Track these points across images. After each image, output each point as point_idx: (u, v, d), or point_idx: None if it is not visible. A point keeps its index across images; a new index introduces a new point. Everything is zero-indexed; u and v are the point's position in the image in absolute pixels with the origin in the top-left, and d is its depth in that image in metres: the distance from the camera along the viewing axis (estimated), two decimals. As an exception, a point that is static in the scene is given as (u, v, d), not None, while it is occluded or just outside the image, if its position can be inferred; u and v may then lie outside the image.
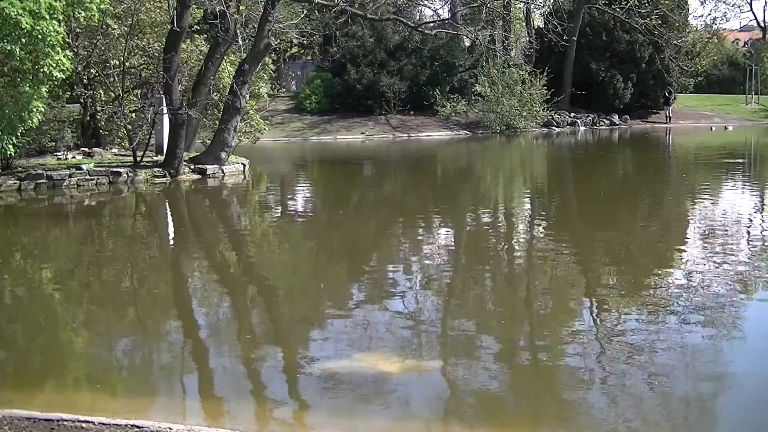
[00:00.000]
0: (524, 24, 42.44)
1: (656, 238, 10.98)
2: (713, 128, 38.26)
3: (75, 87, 18.73)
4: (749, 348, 6.18)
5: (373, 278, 8.87)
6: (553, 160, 25.36)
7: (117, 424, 4.54)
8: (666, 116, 39.96)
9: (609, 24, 37.62)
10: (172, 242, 11.53)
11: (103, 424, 4.55)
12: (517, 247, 10.87)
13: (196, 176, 17.65)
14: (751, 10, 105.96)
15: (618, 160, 25.39)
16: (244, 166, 19.26)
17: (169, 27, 17.26)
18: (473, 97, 36.18)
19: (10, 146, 13.89)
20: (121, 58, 18.08)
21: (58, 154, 17.84)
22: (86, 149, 18.57)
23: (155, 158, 18.18)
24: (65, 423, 4.56)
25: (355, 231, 12.09)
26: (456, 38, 34.55)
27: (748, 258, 9.22)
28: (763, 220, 12.50)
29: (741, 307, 7.14)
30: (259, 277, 9.26)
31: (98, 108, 19.46)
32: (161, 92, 17.67)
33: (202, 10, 21.91)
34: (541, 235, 11.68)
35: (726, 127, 38.33)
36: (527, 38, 41.40)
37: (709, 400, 5.24)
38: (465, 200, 15.70)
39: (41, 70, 13.36)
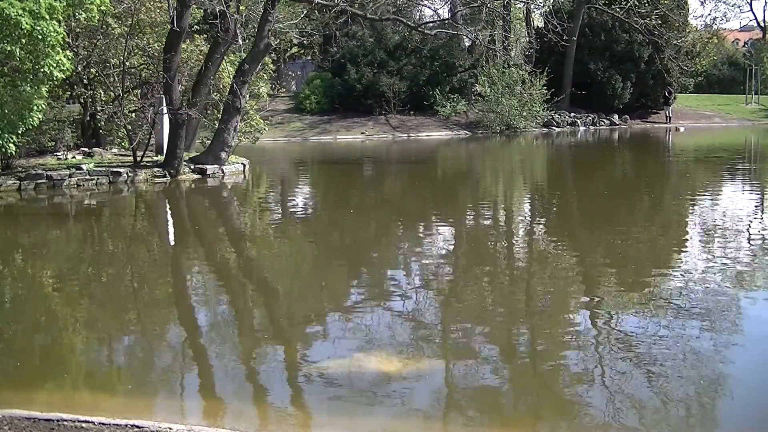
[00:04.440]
0: (524, 24, 42.43)
1: (657, 237, 10.98)
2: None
3: (75, 87, 18.74)
4: (750, 347, 6.18)
5: (374, 278, 8.87)
6: (553, 161, 25.36)
7: (117, 424, 4.54)
8: (666, 116, 39.96)
9: (608, 24, 37.62)
10: (172, 242, 11.53)
11: (103, 424, 4.55)
12: (517, 248, 10.87)
13: (196, 176, 17.65)
14: (751, 10, 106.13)
15: (618, 160, 25.39)
16: (244, 166, 19.27)
17: (169, 27, 17.26)
18: (473, 97, 36.18)
19: (11, 145, 13.90)
20: (121, 58, 18.07)
21: (58, 154, 17.84)
22: (86, 149, 18.58)
23: (155, 158, 18.19)
24: (65, 423, 4.56)
25: (356, 231, 12.09)
26: (456, 38, 34.57)
27: (749, 257, 9.23)
28: (762, 220, 12.50)
29: (742, 307, 7.14)
30: (259, 277, 9.26)
31: (98, 108, 19.46)
32: (161, 92, 17.68)
33: (202, 10, 21.91)
34: (542, 236, 11.68)
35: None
36: (527, 38, 41.39)
37: (709, 399, 5.24)
38: (465, 200, 15.71)
39: (41, 70, 13.37)
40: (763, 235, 11.14)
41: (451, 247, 10.63)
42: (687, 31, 41.04)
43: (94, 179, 16.20)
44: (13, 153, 14.84)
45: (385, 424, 4.86)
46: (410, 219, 13.19)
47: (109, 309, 7.64)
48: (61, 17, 13.78)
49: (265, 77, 23.86)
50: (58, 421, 4.59)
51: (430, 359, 5.99)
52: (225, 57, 19.34)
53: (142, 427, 4.50)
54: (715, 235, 10.84)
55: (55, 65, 13.39)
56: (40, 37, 12.96)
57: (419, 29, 28.25)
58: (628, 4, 35.16)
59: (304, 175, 22.38)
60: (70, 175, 15.99)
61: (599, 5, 37.25)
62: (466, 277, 8.85)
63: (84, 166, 16.34)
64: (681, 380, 5.42)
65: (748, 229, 11.42)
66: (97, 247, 11.04)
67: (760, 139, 32.91)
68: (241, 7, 20.24)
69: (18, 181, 15.44)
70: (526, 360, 6.07)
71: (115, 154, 19.01)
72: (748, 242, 10.43)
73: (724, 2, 52.75)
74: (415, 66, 35.33)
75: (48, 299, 8.13)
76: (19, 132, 14.00)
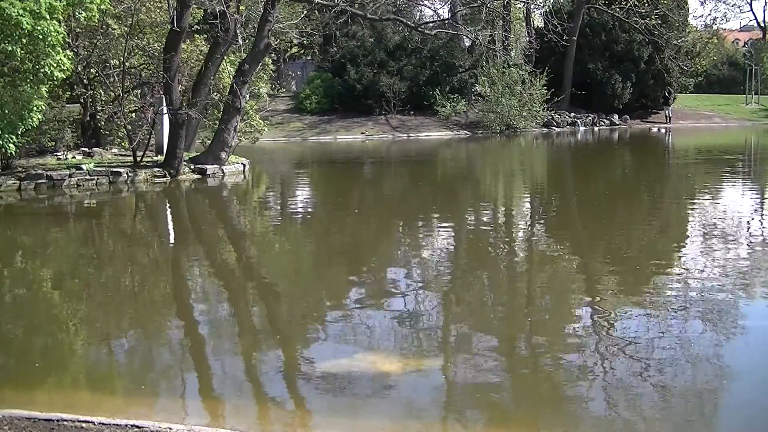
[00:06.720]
0: (524, 24, 42.41)
1: (658, 236, 10.98)
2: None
3: (75, 87, 18.73)
4: (750, 348, 6.18)
5: (374, 278, 8.87)
6: (553, 161, 25.36)
7: (117, 424, 4.54)
8: (666, 116, 39.95)
9: (608, 24, 37.62)
10: (172, 242, 11.53)
11: (103, 424, 4.55)
12: (517, 248, 10.86)
13: (196, 176, 17.65)
14: (751, 10, 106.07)
15: (618, 160, 25.39)
16: (244, 166, 19.27)
17: (169, 27, 17.26)
18: (473, 97, 36.17)
19: (11, 145, 13.90)
20: (121, 58, 18.08)
21: (58, 154, 17.84)
22: (86, 149, 18.57)
23: (155, 158, 18.19)
24: (65, 423, 4.56)
25: (356, 231, 12.09)
26: (456, 38, 34.57)
27: (748, 256, 9.23)
28: (762, 220, 12.50)
29: (742, 307, 7.14)
30: (259, 277, 9.26)
31: (98, 108, 19.44)
32: (161, 92, 17.68)
33: (202, 10, 21.91)
34: (542, 236, 11.68)
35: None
36: (527, 38, 41.37)
37: (709, 399, 5.24)
38: (465, 201, 15.70)
39: (41, 70, 13.37)
40: (764, 235, 11.15)
41: (452, 248, 10.63)
42: (687, 31, 41.01)
43: (94, 179, 16.20)
44: (13, 153, 14.85)
45: (385, 424, 4.86)
46: (410, 219, 13.19)
47: (109, 309, 7.63)
48: (61, 17, 13.78)
49: (265, 77, 23.88)
50: (58, 421, 4.59)
51: (430, 359, 5.99)
52: (225, 57, 19.34)
53: (142, 427, 4.50)
54: (716, 235, 10.84)
55: (55, 65, 13.39)
56: (40, 37, 12.95)
57: (419, 29, 28.29)
58: (628, 4, 35.15)
59: (304, 175, 22.37)
60: (70, 175, 15.98)
61: (599, 5, 37.23)
62: (466, 277, 8.85)
63: (84, 166, 16.34)
64: (681, 380, 5.41)
65: (748, 230, 11.42)
66: (97, 247, 11.03)
67: (760, 139, 32.90)
68: (241, 7, 20.23)
69: (18, 181, 15.44)
70: (526, 360, 6.07)
71: (115, 154, 19.01)
72: (748, 242, 10.43)
73: (724, 2, 52.76)
74: (415, 66, 35.32)
75: (48, 299, 8.13)
76: (19, 132, 14.00)
